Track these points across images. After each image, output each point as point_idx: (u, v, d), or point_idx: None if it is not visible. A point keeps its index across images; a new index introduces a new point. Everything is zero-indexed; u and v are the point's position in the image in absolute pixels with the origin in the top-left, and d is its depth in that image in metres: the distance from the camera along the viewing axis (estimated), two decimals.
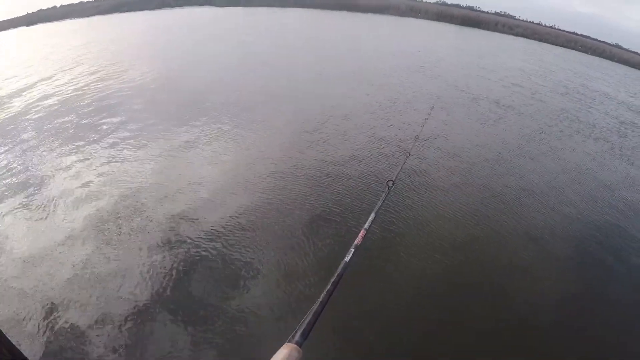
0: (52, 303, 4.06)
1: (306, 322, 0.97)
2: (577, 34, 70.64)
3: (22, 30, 51.67)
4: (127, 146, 7.87)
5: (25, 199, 6.08)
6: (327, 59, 18.66)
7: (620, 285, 5.10)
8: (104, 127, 8.96)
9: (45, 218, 5.57)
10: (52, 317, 3.90)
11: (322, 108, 10.75)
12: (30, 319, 3.89)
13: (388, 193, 1.98)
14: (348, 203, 6.04)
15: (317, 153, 7.79)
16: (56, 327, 3.79)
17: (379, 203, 1.82)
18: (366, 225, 1.58)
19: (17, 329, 3.75)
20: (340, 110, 10.68)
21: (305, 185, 6.51)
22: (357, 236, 1.46)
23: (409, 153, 2.98)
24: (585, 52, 61.47)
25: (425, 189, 6.75)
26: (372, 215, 1.67)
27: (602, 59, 57.64)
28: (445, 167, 7.76)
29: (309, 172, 6.98)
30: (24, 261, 4.69)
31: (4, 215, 5.70)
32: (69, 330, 3.75)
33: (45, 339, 3.67)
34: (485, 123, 11.19)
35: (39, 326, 3.80)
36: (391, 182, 2.04)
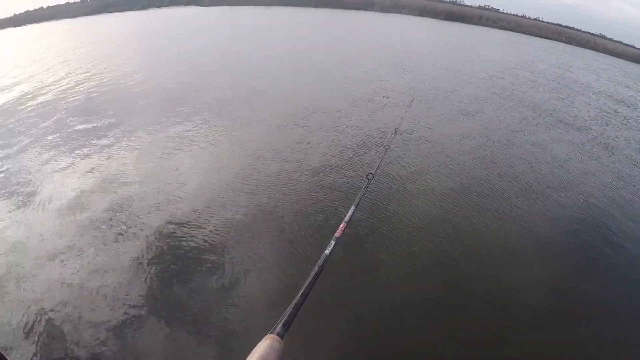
0: (38, 305, 4.13)
1: (287, 313, 1.00)
2: (561, 26, 71.08)
3: (10, 31, 51.81)
4: (116, 146, 8.05)
5: (12, 200, 6.18)
6: (309, 56, 18.94)
7: (608, 273, 5.13)
8: (96, 127, 9.14)
9: (34, 218, 5.68)
10: (36, 319, 3.97)
11: (303, 103, 10.89)
12: (15, 322, 3.96)
13: (368, 186, 1.99)
14: (328, 196, 6.09)
15: (298, 147, 7.93)
16: (40, 329, 3.86)
17: (359, 196, 1.83)
18: (346, 218, 1.60)
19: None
20: (322, 105, 10.80)
21: (285, 179, 6.62)
22: (337, 229, 1.48)
23: (389, 146, 2.97)
24: (570, 43, 62.11)
25: (406, 181, 6.82)
26: (352, 208, 1.70)
27: (587, 49, 58.35)
28: (426, 158, 7.84)
29: (289, 166, 7.07)
30: (10, 262, 4.79)
31: None
32: (53, 332, 3.82)
33: (29, 341, 3.75)
34: (467, 115, 11.28)
35: (22, 328, 3.89)
36: (371, 175, 2.06)
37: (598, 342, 4.09)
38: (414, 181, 6.85)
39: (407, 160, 7.68)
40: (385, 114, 10.45)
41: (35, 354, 3.62)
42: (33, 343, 3.73)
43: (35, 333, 3.83)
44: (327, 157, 7.52)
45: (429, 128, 9.71)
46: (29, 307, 4.12)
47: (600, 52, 58.58)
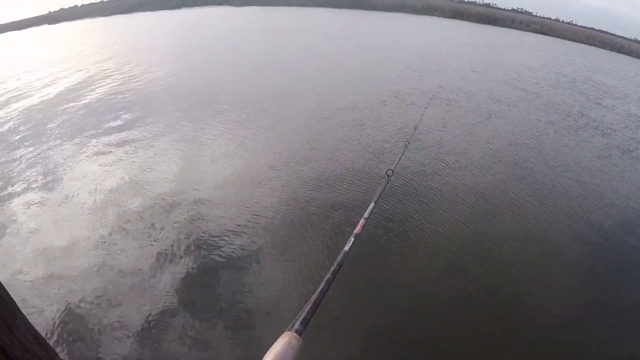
0: (67, 295, 4.25)
1: (306, 310, 1.00)
2: (595, 30, 69.09)
3: (45, 28, 53.21)
4: (146, 141, 8.30)
5: (45, 190, 6.41)
6: (339, 57, 18.95)
7: (632, 289, 4.94)
8: (129, 122, 9.52)
9: (65, 208, 5.87)
10: (67, 306, 4.09)
11: (325, 101, 11.10)
12: (46, 308, 4.09)
13: (387, 182, 1.97)
14: (348, 192, 6.12)
15: (318, 144, 8.06)
16: (68, 320, 3.96)
17: (379, 192, 1.82)
18: (366, 215, 1.60)
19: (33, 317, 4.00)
20: (344, 101, 10.99)
21: (305, 176, 6.65)
22: (357, 225, 1.47)
23: (409, 142, 2.93)
24: (604, 47, 60.38)
25: (426, 178, 6.79)
26: (372, 205, 1.69)
27: (621, 54, 56.68)
28: (445, 157, 7.77)
29: (310, 163, 7.14)
30: (41, 252, 4.93)
31: (22, 205, 6.02)
32: (83, 321, 3.93)
33: (60, 328, 3.87)
34: (491, 115, 11.19)
35: (56, 316, 4.00)
36: (390, 171, 2.04)
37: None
38: (432, 179, 6.80)
39: (429, 156, 7.69)
40: (407, 111, 10.53)
41: (62, 344, 3.72)
42: (61, 333, 3.82)
43: (63, 323, 3.91)
44: (346, 153, 7.58)
45: (453, 127, 9.62)
46: (59, 298, 4.20)
47: (634, 57, 56.74)
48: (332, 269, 1.18)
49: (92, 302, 4.18)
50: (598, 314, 4.40)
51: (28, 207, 6.01)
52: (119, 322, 3.93)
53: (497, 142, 9.21)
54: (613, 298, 4.70)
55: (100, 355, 3.66)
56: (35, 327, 2.79)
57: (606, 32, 68.79)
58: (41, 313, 4.04)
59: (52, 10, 64.61)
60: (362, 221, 1.52)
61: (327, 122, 9.51)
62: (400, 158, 2.55)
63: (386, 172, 2.04)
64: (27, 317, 2.16)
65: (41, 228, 5.45)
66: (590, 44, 58.91)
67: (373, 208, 1.67)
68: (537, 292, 4.56)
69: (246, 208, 5.79)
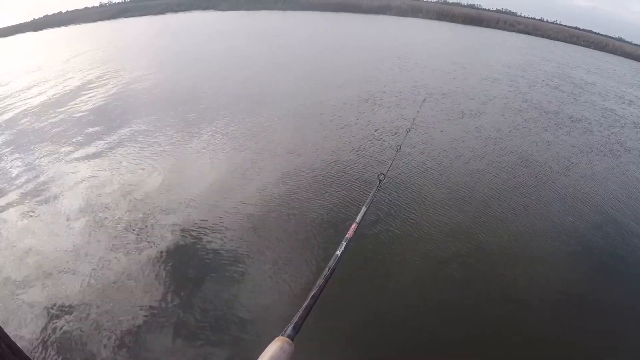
0: (54, 306, 4.23)
1: (298, 315, 0.99)
2: (579, 29, 69.98)
3: (29, 35, 52.54)
4: (135, 144, 8.34)
5: (32, 198, 6.41)
6: (326, 59, 19.61)
7: (616, 281, 5.05)
8: (114, 128, 9.56)
9: (50, 216, 5.86)
10: (50, 317, 4.08)
11: (314, 103, 11.34)
12: (29, 318, 4.08)
13: (379, 186, 1.96)
14: (339, 197, 6.13)
15: (308, 147, 8.03)
16: (54, 326, 3.97)
17: (370, 196, 1.82)
18: (358, 219, 1.58)
19: (15, 327, 3.94)
20: (333, 106, 11.13)
21: (295, 180, 6.62)
22: (348, 230, 1.47)
23: (400, 147, 2.92)
24: (588, 46, 61.04)
25: (417, 182, 6.82)
26: (364, 209, 1.68)
27: (605, 52, 57.31)
28: (437, 160, 7.86)
29: (300, 167, 7.08)
30: (26, 260, 4.94)
31: (10, 213, 6.02)
32: (66, 329, 3.93)
33: (42, 337, 3.86)
34: (475, 116, 11.34)
35: (36, 325, 4.00)
36: (382, 176, 2.03)
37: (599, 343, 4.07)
38: (423, 182, 6.88)
39: (419, 159, 7.77)
40: (397, 114, 10.66)
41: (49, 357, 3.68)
42: (49, 345, 3.77)
43: (50, 335, 3.87)
44: (337, 157, 7.57)
45: (441, 129, 9.86)
46: (47, 310, 4.16)
47: (619, 55, 57.41)
48: (324, 273, 1.16)
49: (73, 312, 4.10)
50: (591, 311, 4.46)
51: (9, 216, 5.95)
52: (101, 332, 3.86)
53: (489, 141, 9.39)
54: (598, 294, 4.75)
55: None
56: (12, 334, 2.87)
57: (590, 31, 69.63)
58: (20, 324, 3.99)
59: (36, 17, 63.92)
60: (354, 225, 1.51)
61: (315, 125, 9.57)
62: (392, 162, 2.51)
63: (378, 176, 2.02)
64: (4, 328, 2.26)
65: (20, 237, 5.38)
66: (575, 43, 59.51)
67: (365, 212, 1.66)
68: (527, 287, 4.63)
69: (229, 212, 5.74)
